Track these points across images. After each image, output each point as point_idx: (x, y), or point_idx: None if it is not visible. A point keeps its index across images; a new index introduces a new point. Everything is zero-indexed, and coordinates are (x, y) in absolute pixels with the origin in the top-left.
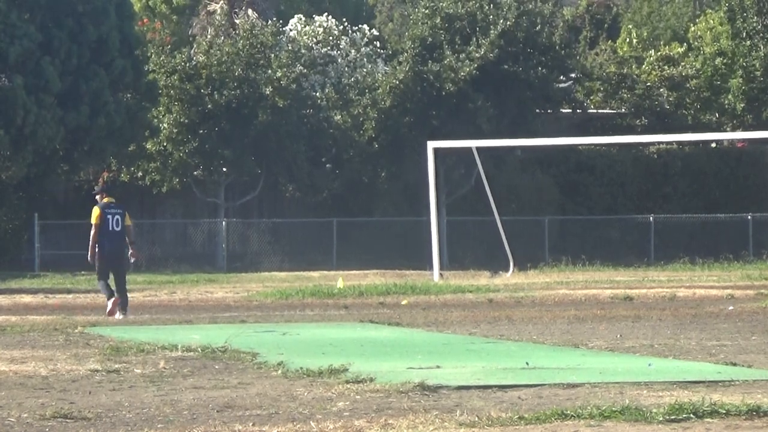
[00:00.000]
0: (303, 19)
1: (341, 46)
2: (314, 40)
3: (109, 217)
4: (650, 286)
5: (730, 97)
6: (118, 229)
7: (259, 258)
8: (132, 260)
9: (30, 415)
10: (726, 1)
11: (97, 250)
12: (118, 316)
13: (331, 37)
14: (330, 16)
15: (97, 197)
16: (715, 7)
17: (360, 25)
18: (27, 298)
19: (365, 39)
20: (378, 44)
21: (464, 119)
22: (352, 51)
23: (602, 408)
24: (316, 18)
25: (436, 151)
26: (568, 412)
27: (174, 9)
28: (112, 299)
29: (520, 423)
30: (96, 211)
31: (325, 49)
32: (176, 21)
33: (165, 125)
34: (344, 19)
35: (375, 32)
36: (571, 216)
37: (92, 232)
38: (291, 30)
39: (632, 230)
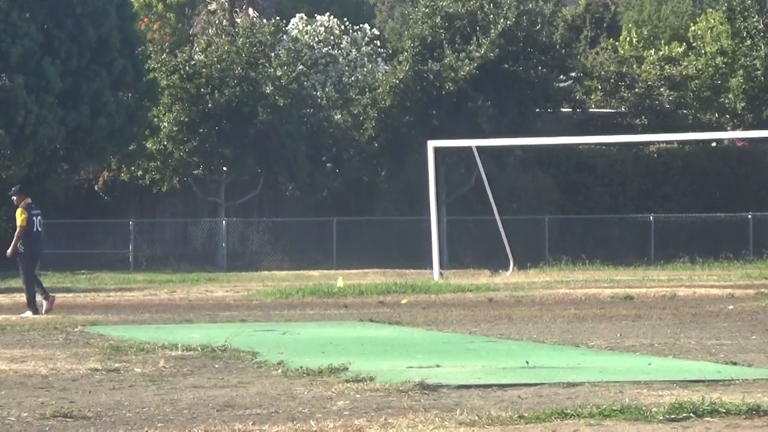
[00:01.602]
0: (305, 18)
1: (342, 46)
2: (316, 39)
3: (34, 218)
4: (650, 285)
5: (730, 96)
6: (41, 229)
7: (259, 257)
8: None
9: (30, 414)
10: (725, 1)
11: (23, 250)
12: (28, 314)
13: (332, 37)
14: (332, 16)
15: (14, 198)
16: (715, 6)
17: (361, 25)
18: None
19: (366, 38)
20: (378, 43)
21: (464, 119)
22: (353, 50)
23: (602, 407)
24: (318, 17)
25: (437, 150)
26: (568, 411)
27: (169, 6)
28: (51, 298)
29: (520, 422)
30: (24, 213)
31: (326, 49)
32: (173, 19)
33: (165, 124)
34: (345, 19)
35: (376, 32)
36: (572, 215)
37: (18, 232)
38: (293, 29)
39: (632, 229)
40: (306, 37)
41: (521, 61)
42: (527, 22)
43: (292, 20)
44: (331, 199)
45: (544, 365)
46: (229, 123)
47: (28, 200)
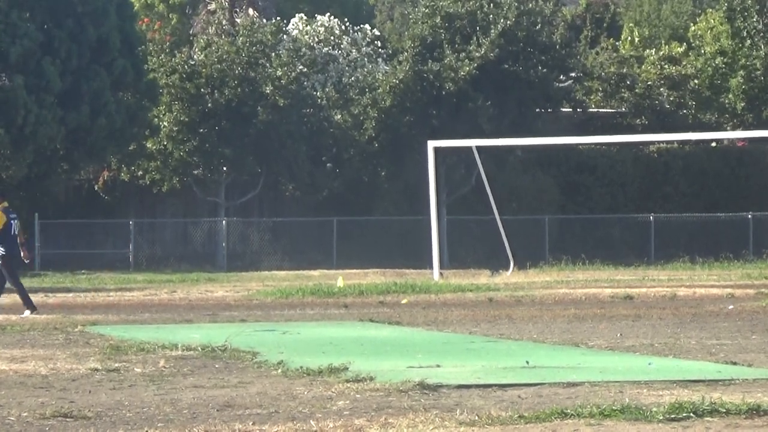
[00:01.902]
0: (305, 18)
1: (342, 46)
2: (316, 39)
3: (12, 222)
4: (650, 285)
5: (730, 96)
6: (17, 233)
7: (259, 257)
8: (26, 261)
9: (30, 414)
10: (725, 1)
11: (4, 253)
12: (27, 313)
13: (332, 37)
14: (332, 17)
15: None
16: (715, 6)
17: (362, 25)
18: None
19: (367, 39)
20: (379, 44)
21: (464, 119)
22: (353, 51)
23: (602, 407)
24: (318, 18)
25: (437, 150)
26: (568, 411)
27: (171, 7)
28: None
29: (520, 422)
30: (2, 217)
31: (326, 49)
32: (175, 20)
33: (165, 124)
34: (345, 19)
35: (376, 32)
36: (572, 215)
37: None
38: (293, 29)
39: (632, 229)
40: (306, 37)
41: (521, 61)
42: (527, 22)
43: (292, 20)
44: (331, 199)
45: (544, 365)
46: (229, 123)
47: (5, 204)
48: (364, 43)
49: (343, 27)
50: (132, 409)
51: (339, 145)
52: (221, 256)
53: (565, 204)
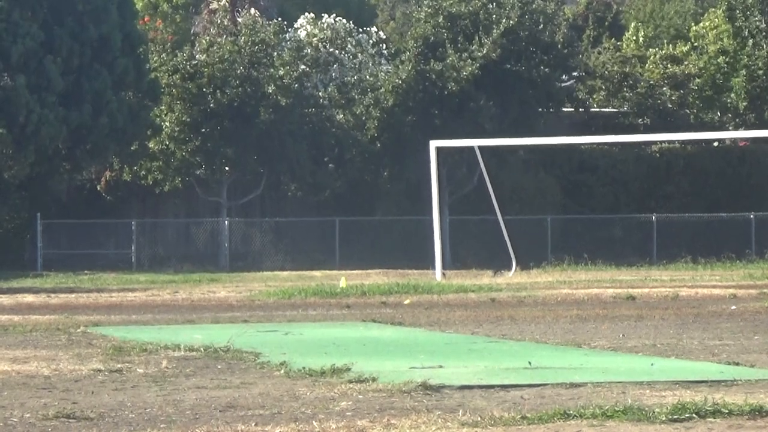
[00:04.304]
0: (313, 18)
1: (347, 48)
2: (321, 39)
3: None
4: (653, 285)
5: (732, 95)
6: None
7: (261, 257)
8: None
9: (33, 414)
10: (726, 0)
11: None
12: None
13: (338, 39)
14: (338, 18)
15: None
16: (717, 5)
17: (368, 28)
18: (29, 298)
19: (372, 41)
20: (384, 46)
21: (467, 118)
22: (358, 53)
23: (605, 408)
24: (325, 19)
25: (439, 150)
26: (571, 411)
27: (175, 7)
28: None
29: (522, 423)
30: None
31: (331, 49)
32: (179, 19)
33: (167, 124)
34: (351, 22)
35: (382, 35)
36: (574, 215)
37: None
38: (299, 29)
39: (635, 229)
40: (314, 39)
41: (523, 61)
42: (530, 22)
43: (299, 20)
44: (333, 199)
45: (547, 366)
46: (231, 123)
47: None
48: (369, 46)
49: (348, 28)
50: (134, 409)
51: (341, 145)
52: (223, 257)
53: (567, 204)
